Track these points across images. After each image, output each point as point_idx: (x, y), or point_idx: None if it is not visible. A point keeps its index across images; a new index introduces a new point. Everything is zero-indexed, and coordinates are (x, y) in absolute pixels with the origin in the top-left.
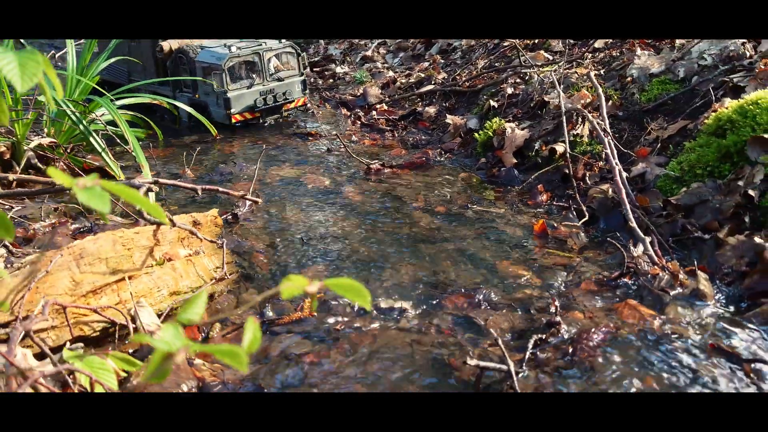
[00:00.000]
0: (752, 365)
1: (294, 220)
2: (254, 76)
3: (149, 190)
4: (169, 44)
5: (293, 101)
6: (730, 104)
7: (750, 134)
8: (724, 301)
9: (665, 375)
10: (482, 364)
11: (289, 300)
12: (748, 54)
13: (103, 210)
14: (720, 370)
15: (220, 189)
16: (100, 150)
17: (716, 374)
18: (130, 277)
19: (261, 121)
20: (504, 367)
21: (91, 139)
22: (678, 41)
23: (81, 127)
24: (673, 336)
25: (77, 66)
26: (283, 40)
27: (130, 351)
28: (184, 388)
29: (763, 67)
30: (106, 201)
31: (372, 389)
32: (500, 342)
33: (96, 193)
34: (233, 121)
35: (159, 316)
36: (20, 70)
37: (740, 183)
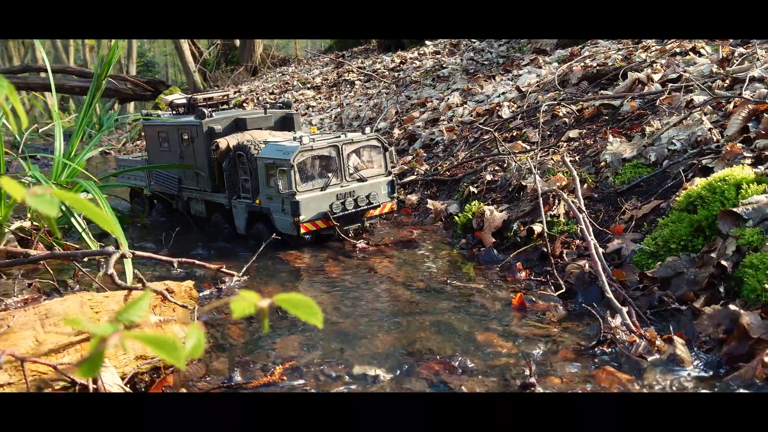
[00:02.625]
0: None
1: (271, 294)
2: (330, 175)
3: (123, 256)
4: (226, 141)
5: (378, 207)
6: (699, 182)
7: (720, 209)
8: (702, 367)
9: None
10: None
11: (261, 368)
12: (714, 138)
13: (51, 214)
14: None
15: (197, 262)
16: (80, 230)
17: None
18: None
19: (337, 233)
20: None
21: (72, 219)
22: (648, 129)
23: (63, 207)
24: None
25: (65, 151)
26: (368, 131)
27: None
28: None
29: (729, 149)
30: (55, 206)
31: None
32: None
33: (46, 199)
34: (302, 231)
35: (123, 378)
36: None
37: (713, 255)
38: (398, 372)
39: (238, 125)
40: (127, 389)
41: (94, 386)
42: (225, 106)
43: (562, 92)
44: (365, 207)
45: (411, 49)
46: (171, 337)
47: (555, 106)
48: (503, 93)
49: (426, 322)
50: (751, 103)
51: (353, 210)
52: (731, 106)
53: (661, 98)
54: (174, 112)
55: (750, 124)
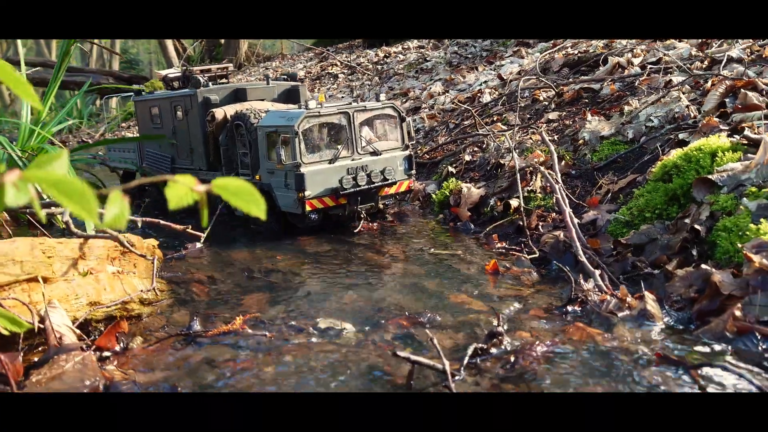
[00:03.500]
0: (699, 370)
1: (240, 258)
2: (339, 146)
3: None
4: (223, 111)
5: (394, 184)
6: (675, 152)
7: (695, 176)
8: (672, 322)
9: (612, 382)
10: (414, 358)
11: (223, 321)
12: (692, 114)
13: None
14: (667, 376)
15: (162, 222)
16: (45, 196)
17: (662, 379)
18: (45, 280)
19: (346, 212)
20: (438, 365)
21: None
22: (626, 108)
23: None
24: (619, 349)
25: (32, 118)
26: (383, 98)
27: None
28: (87, 383)
29: (705, 122)
30: None
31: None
32: (435, 342)
33: None
34: (307, 209)
35: (74, 322)
36: None
37: (687, 220)
38: (365, 327)
39: (238, 96)
40: (78, 332)
41: (41, 325)
42: (224, 80)
43: (543, 78)
44: (380, 184)
45: (395, 45)
46: (81, 184)
47: (535, 90)
48: (485, 81)
49: (398, 284)
50: (728, 79)
51: (366, 186)
52: (709, 84)
53: (640, 79)
54: (168, 88)
55: (727, 100)
